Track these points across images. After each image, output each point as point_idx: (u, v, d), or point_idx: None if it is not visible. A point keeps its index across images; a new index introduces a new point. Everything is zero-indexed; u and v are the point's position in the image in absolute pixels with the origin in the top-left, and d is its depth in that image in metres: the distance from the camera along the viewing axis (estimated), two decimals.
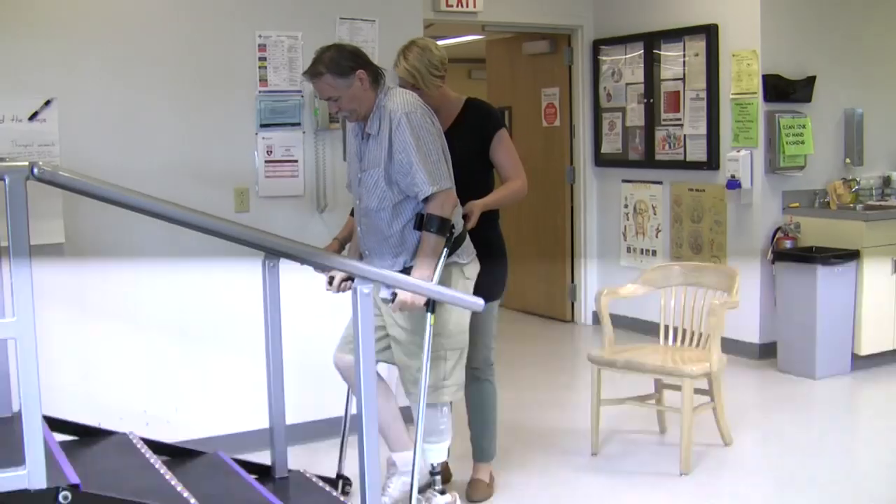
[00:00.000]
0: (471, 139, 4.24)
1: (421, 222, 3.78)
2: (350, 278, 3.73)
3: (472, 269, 4.07)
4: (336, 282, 4.01)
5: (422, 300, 3.70)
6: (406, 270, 3.82)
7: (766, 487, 4.59)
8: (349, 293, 3.41)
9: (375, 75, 3.83)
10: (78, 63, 4.60)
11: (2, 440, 3.59)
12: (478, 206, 4.14)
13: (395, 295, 3.67)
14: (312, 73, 3.79)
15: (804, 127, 6.80)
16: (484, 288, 4.09)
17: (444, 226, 3.77)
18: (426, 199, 3.77)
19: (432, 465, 4.06)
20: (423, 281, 3.69)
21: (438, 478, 4.08)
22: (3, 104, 4.42)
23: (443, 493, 4.07)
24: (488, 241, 4.28)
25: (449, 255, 3.86)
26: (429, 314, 3.73)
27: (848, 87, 7.10)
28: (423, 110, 3.82)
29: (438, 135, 3.85)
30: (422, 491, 4.00)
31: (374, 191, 3.84)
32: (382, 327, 4.02)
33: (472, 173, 4.23)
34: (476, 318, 4.21)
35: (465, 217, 4.06)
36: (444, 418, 4.05)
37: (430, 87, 4.13)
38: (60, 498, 2.84)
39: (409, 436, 4.13)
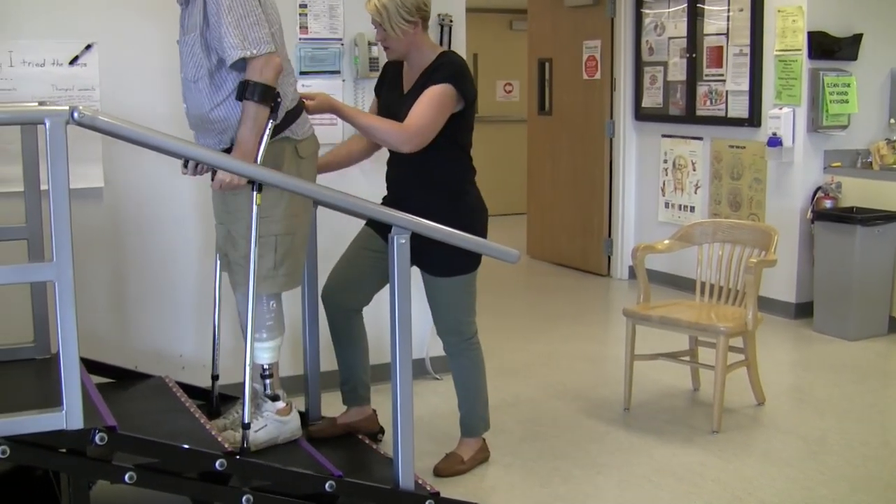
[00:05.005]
0: (417, 97, 3.88)
1: (243, 91, 3.40)
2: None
3: (308, 147, 3.72)
4: (192, 163, 3.65)
5: (243, 179, 3.37)
6: (231, 149, 3.51)
7: (798, 447, 4.57)
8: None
9: None
10: (119, 8, 4.59)
11: (40, 381, 3.64)
12: (328, 97, 3.93)
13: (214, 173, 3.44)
14: None
15: (849, 86, 6.69)
16: (458, 258, 3.92)
17: (266, 93, 3.37)
18: (244, 67, 3.39)
19: (262, 367, 3.74)
20: (245, 156, 3.37)
21: (269, 382, 3.77)
22: (44, 48, 4.43)
23: (274, 398, 3.75)
24: (457, 207, 3.98)
25: (279, 130, 3.52)
26: (254, 193, 3.33)
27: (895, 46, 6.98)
28: None
29: None
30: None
31: (191, 58, 3.49)
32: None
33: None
34: (444, 290, 4.05)
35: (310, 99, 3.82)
36: (271, 313, 3.70)
37: (396, 30, 3.84)
38: (97, 439, 2.89)
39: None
